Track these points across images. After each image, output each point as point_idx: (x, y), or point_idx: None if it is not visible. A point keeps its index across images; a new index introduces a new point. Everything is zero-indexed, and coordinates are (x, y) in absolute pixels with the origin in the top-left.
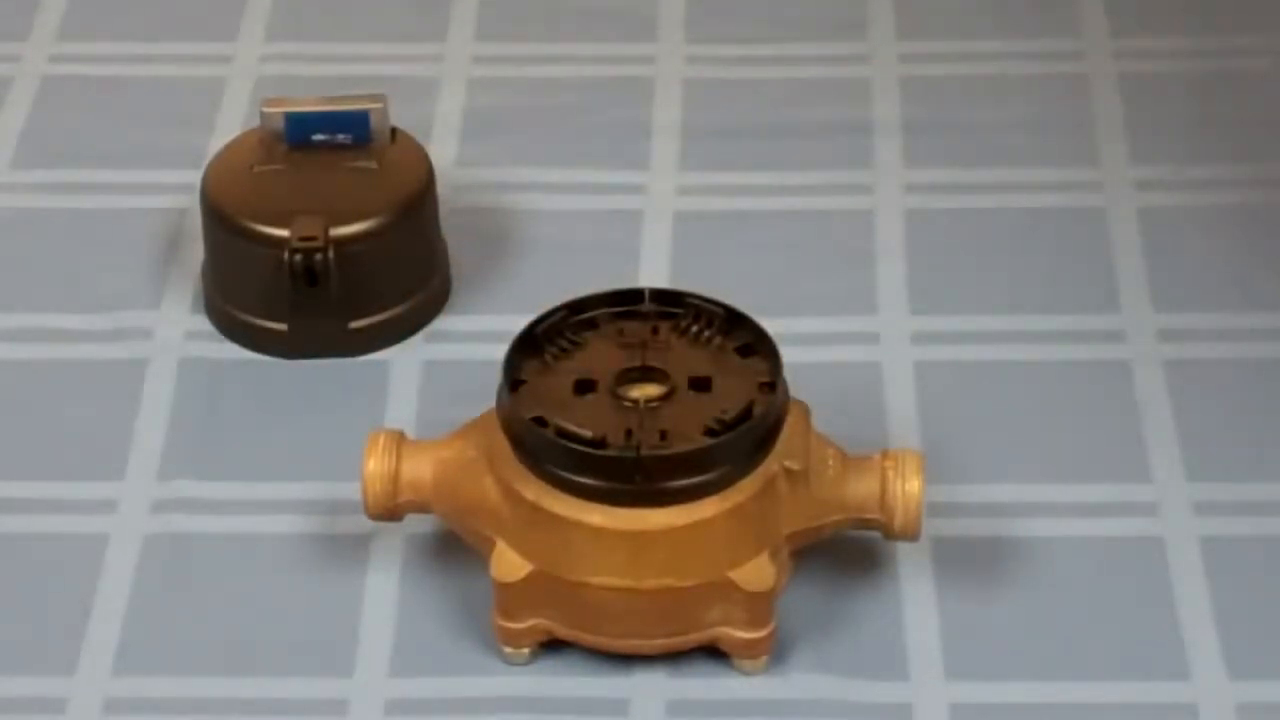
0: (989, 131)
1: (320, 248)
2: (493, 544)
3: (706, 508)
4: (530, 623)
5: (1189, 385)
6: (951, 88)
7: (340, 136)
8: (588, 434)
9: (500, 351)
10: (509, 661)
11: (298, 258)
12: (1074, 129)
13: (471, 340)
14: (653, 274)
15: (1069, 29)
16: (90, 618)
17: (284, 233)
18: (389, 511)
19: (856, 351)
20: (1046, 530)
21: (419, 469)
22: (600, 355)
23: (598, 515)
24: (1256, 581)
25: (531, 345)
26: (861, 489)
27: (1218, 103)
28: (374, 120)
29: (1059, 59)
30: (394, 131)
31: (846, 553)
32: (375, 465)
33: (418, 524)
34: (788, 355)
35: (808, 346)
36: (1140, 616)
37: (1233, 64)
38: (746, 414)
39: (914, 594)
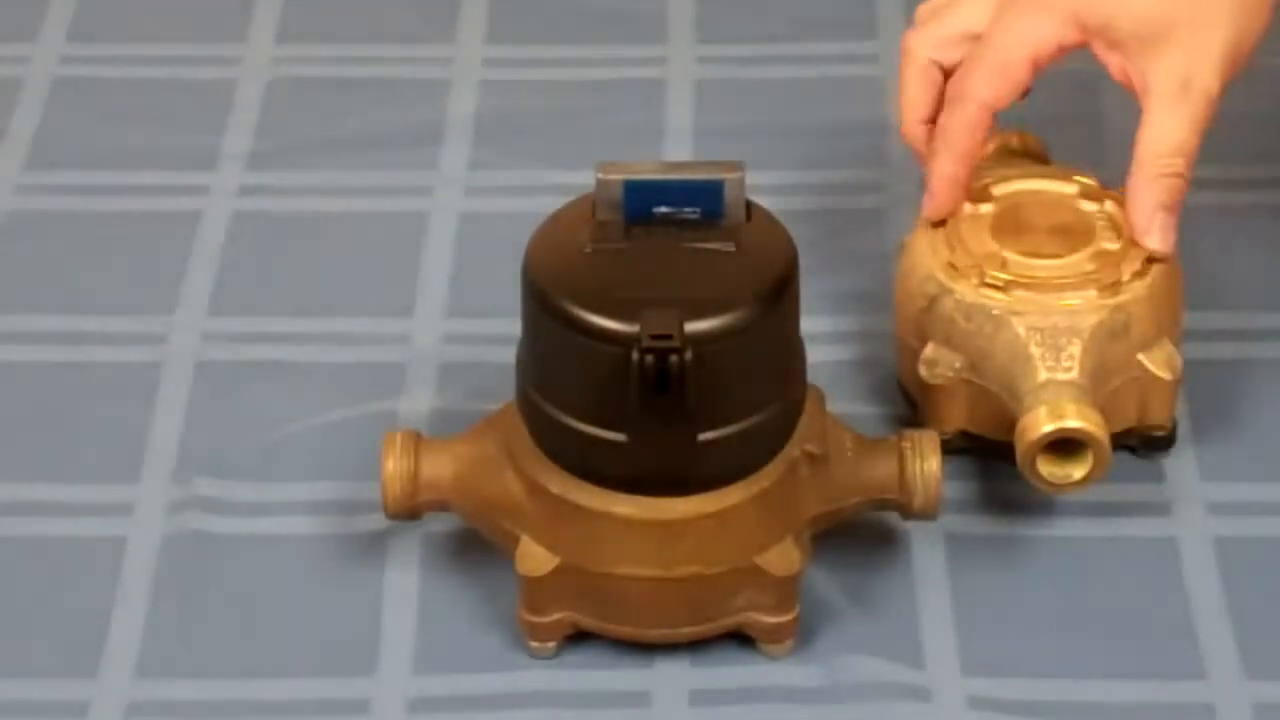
0: (1000, 130)
1: (676, 347)
2: (516, 539)
3: (733, 494)
4: (556, 616)
5: (1199, 385)
6: None
7: (687, 210)
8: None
9: (511, 353)
10: (535, 656)
11: (649, 359)
12: (1086, 126)
13: (483, 342)
14: None
15: None
16: (110, 621)
17: (631, 328)
18: (409, 511)
19: (871, 350)
20: (1062, 529)
21: (438, 467)
22: None
23: (626, 506)
24: (1272, 580)
25: None
26: (880, 470)
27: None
28: (729, 192)
29: (1068, 58)
30: (748, 205)
31: (857, 535)
32: (394, 465)
33: (435, 521)
34: None
35: (823, 345)
36: (1156, 616)
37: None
38: None
39: (929, 580)
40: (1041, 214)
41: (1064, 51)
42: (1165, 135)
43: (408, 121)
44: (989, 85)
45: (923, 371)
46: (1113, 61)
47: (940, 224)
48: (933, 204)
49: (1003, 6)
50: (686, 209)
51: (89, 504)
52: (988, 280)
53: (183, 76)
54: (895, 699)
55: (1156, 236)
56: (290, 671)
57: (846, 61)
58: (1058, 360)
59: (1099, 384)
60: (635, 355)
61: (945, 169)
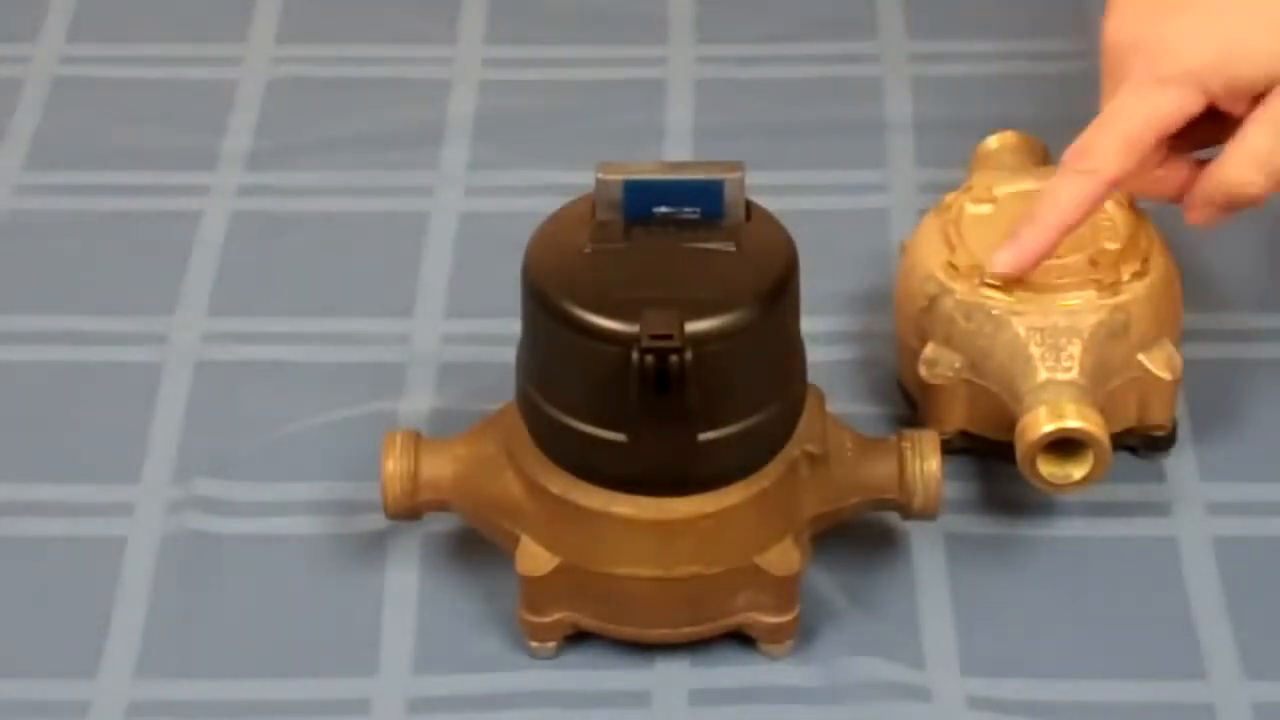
0: (1001, 130)
1: (676, 347)
2: (516, 539)
3: (733, 494)
4: (556, 616)
5: (1199, 385)
6: (962, 87)
7: (687, 210)
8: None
9: (511, 353)
10: (535, 656)
11: (649, 359)
12: (1086, 127)
13: (483, 342)
14: None
15: (1078, 28)
16: (111, 620)
17: (631, 328)
18: (409, 511)
19: (871, 350)
20: (1062, 529)
21: (438, 467)
22: None
23: (625, 506)
24: (1272, 580)
25: None
26: (880, 470)
27: None
28: (729, 192)
29: (1069, 58)
30: (748, 205)
31: (857, 535)
32: (394, 466)
33: (435, 521)
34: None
35: (823, 345)
36: (1156, 616)
37: None
38: None
39: (929, 580)
40: None
41: (1187, 119)
42: (1249, 145)
43: (408, 121)
44: (1117, 162)
45: (923, 371)
46: (1237, 109)
47: (945, 220)
48: (1015, 263)
49: (1116, 78)
50: (686, 209)
51: (89, 504)
52: (988, 280)
53: (183, 76)
54: (895, 699)
55: (1193, 217)
56: (290, 671)
57: (846, 61)
58: (1058, 360)
59: (1099, 384)
60: (635, 355)
61: (1045, 235)
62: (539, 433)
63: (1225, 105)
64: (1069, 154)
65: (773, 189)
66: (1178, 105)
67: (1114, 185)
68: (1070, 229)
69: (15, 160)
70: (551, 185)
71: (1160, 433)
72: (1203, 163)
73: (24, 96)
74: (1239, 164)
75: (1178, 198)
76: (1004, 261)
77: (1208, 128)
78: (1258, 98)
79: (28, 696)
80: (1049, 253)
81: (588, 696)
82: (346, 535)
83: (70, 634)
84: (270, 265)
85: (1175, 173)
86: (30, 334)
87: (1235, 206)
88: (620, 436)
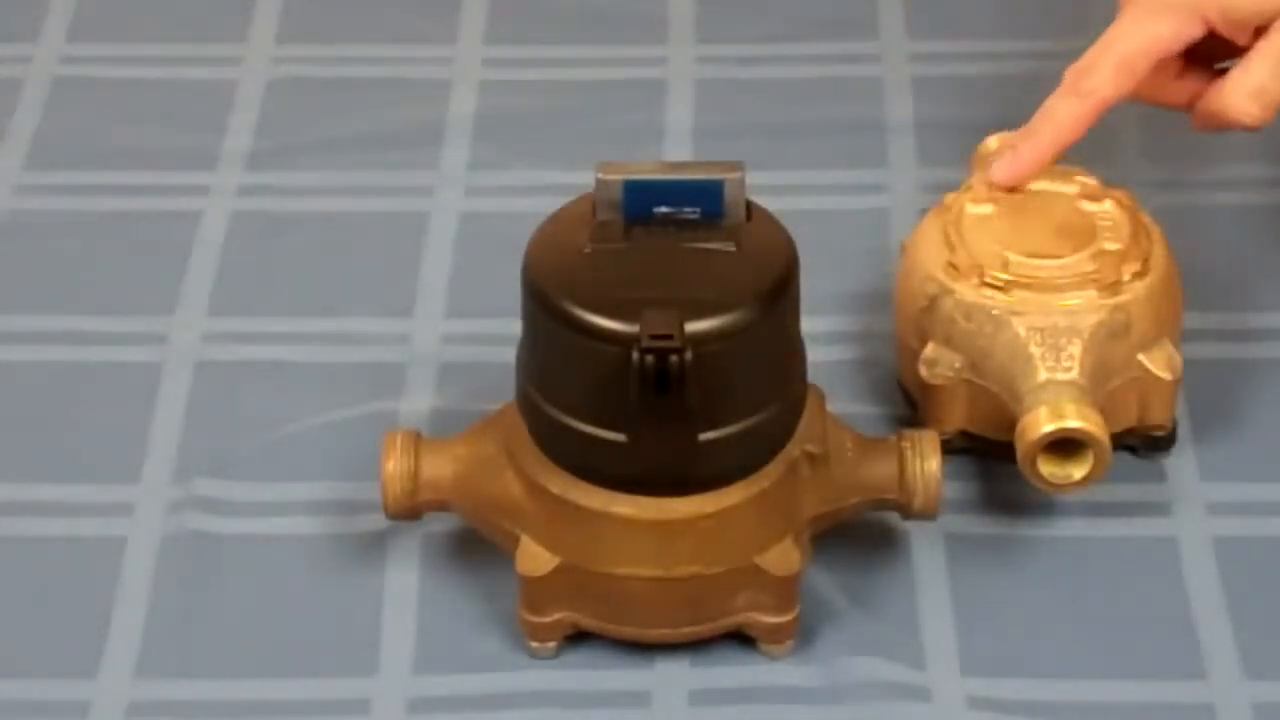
0: (1001, 130)
1: (676, 348)
2: (516, 539)
3: (733, 494)
4: (556, 616)
5: (1199, 385)
6: (962, 87)
7: (687, 210)
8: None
9: (511, 353)
10: (535, 656)
11: (649, 359)
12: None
13: (483, 342)
14: None
15: (1078, 28)
16: (110, 620)
17: (631, 328)
18: (409, 511)
19: (871, 350)
20: (1062, 529)
21: (438, 467)
22: None
23: (626, 506)
24: (1272, 580)
25: None
26: (880, 470)
27: None
28: (729, 192)
29: (1069, 58)
30: (748, 205)
31: (857, 535)
32: (394, 466)
33: (435, 521)
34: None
35: (823, 345)
36: (1156, 616)
37: None
38: None
39: (929, 580)
40: (1042, 214)
41: (1186, 45)
42: (1250, 76)
43: (408, 121)
44: (1113, 83)
45: (923, 371)
46: (1239, 39)
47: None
48: (1011, 174)
49: (1124, 6)
50: (686, 209)
51: (89, 504)
52: (988, 280)
53: (183, 76)
54: (895, 699)
55: (1196, 126)
56: (290, 671)
57: (846, 61)
58: (1058, 360)
59: (1099, 384)
60: (635, 355)
61: (1040, 150)
62: (539, 433)
63: (1225, 33)
64: (1069, 74)
65: (773, 189)
66: (1175, 31)
67: (1109, 105)
68: (1066, 146)
69: (15, 160)
70: (551, 185)
71: (1160, 433)
72: (1220, 72)
73: (24, 96)
74: (1237, 94)
75: (1188, 108)
76: (1001, 172)
77: (1228, 45)
78: (1261, 29)
79: (28, 696)
80: (1044, 167)
81: (588, 696)
82: (346, 535)
83: (70, 634)
84: (270, 265)
85: (1188, 85)
86: (30, 334)
87: (1234, 129)
88: (620, 436)
